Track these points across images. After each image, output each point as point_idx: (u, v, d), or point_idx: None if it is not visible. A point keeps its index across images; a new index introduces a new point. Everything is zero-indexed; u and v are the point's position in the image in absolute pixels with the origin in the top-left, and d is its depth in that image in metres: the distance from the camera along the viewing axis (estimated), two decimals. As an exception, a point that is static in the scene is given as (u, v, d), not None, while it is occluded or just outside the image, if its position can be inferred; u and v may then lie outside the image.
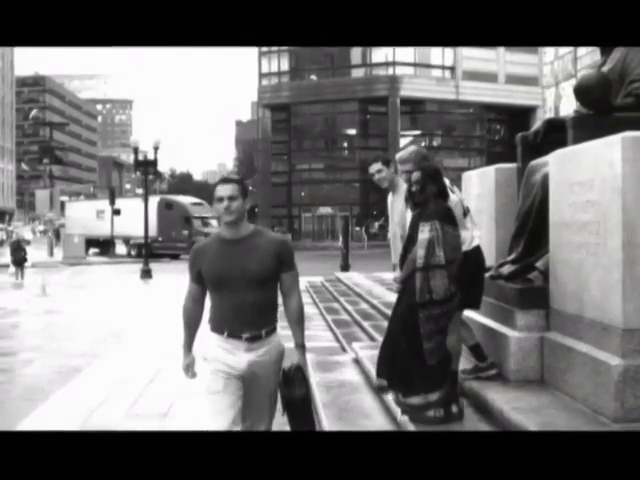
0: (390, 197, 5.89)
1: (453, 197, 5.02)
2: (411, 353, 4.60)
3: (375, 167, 5.85)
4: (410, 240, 4.81)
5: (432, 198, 4.76)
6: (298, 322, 3.88)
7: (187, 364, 3.89)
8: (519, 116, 52.25)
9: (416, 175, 4.83)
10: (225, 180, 3.75)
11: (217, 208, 3.68)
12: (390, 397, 4.87)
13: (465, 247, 4.95)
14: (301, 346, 3.87)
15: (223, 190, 3.65)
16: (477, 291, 5.25)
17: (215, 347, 3.74)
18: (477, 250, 5.26)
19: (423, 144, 54.51)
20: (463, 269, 4.72)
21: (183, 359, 3.91)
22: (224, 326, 3.70)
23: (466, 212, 5.26)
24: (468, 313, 5.52)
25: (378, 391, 5.07)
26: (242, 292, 3.62)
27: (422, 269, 4.56)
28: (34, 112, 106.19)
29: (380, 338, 7.85)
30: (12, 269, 24.75)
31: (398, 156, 5.59)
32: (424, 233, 4.61)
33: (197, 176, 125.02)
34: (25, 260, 24.60)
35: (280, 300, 3.90)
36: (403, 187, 5.68)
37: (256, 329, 3.68)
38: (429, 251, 4.56)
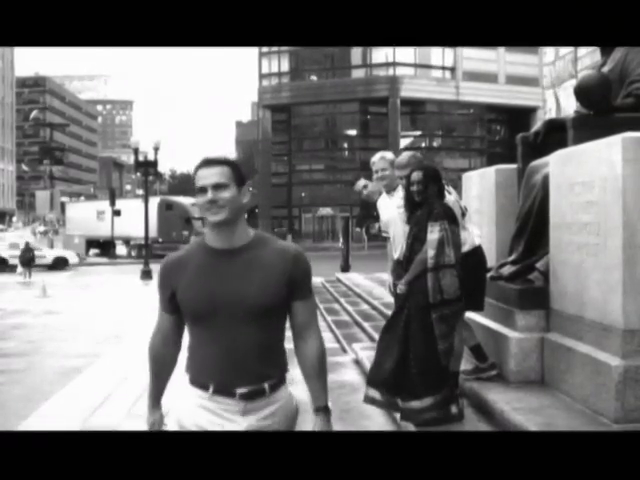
0: (383, 198, 5.93)
1: (449, 197, 5.03)
2: (419, 356, 4.59)
3: (361, 184, 6.03)
4: (416, 240, 4.80)
5: (434, 198, 4.77)
6: (318, 375, 2.63)
7: (152, 422, 2.71)
8: (519, 117, 52.21)
9: (417, 175, 4.83)
10: (209, 162, 2.49)
11: (199, 203, 2.48)
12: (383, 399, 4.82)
13: (465, 248, 4.95)
14: (324, 410, 2.59)
15: (206, 176, 2.45)
16: (480, 292, 5.25)
17: (195, 409, 2.52)
18: (478, 250, 5.26)
19: (423, 144, 54.66)
20: (465, 270, 4.73)
21: (147, 415, 2.74)
22: (209, 378, 2.50)
23: (464, 212, 5.27)
24: (469, 314, 5.52)
25: (369, 402, 4.94)
26: (236, 328, 2.45)
27: (433, 269, 4.56)
28: (34, 113, 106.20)
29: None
30: (20, 269, 26.29)
31: (397, 162, 5.63)
32: (434, 233, 4.60)
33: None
34: (33, 260, 26.49)
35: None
36: (383, 193, 5.82)
37: (256, 381, 2.49)
38: (439, 251, 4.57)
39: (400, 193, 5.59)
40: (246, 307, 2.43)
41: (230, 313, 2.43)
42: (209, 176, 2.44)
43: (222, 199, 2.42)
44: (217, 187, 2.43)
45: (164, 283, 2.57)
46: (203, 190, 2.44)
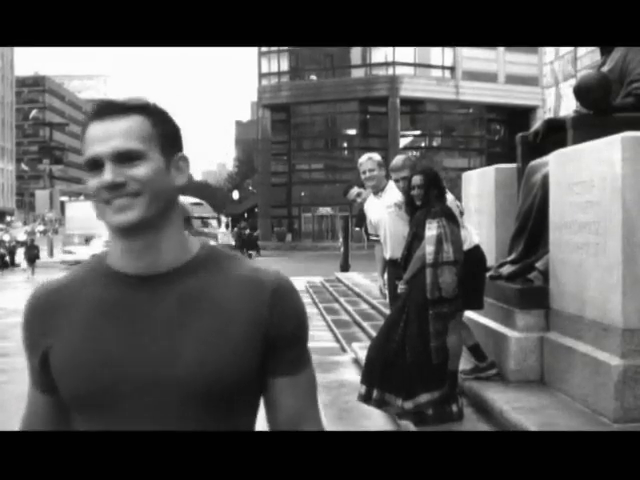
0: (370, 200, 5.96)
1: (447, 197, 5.07)
2: (415, 353, 4.60)
3: (354, 192, 6.09)
4: (415, 238, 4.82)
5: (434, 201, 4.80)
6: None
7: None
8: (519, 116, 52.21)
9: (418, 179, 4.86)
10: (107, 110, 1.26)
11: (90, 189, 1.27)
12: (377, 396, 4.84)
13: (465, 246, 4.97)
14: None
15: (102, 138, 1.25)
16: (479, 291, 5.26)
17: None
18: (477, 249, 5.28)
19: (423, 144, 54.69)
20: (464, 268, 4.74)
21: None
22: None
23: (462, 212, 5.31)
24: (468, 313, 5.52)
25: (363, 400, 4.95)
26: (162, 426, 1.24)
27: (431, 265, 4.58)
28: (34, 112, 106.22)
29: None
30: (25, 265, 27.01)
31: (392, 164, 5.67)
32: (432, 230, 4.63)
33: (197, 176, 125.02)
34: (37, 257, 27.03)
35: None
36: (371, 195, 5.89)
37: None
38: (438, 247, 4.59)
39: (389, 193, 5.65)
40: (182, 388, 1.22)
41: (150, 399, 1.22)
42: (108, 137, 1.24)
43: (133, 181, 1.23)
44: (123, 158, 1.24)
45: (31, 339, 1.44)
46: (96, 164, 1.24)
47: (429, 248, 4.60)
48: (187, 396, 1.23)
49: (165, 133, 1.30)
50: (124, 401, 1.24)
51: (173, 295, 1.28)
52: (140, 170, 1.24)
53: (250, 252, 35.16)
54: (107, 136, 1.25)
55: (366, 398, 4.79)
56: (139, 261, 1.29)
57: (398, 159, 5.62)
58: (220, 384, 1.23)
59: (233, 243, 38.46)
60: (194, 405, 1.23)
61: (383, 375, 4.69)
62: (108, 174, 1.23)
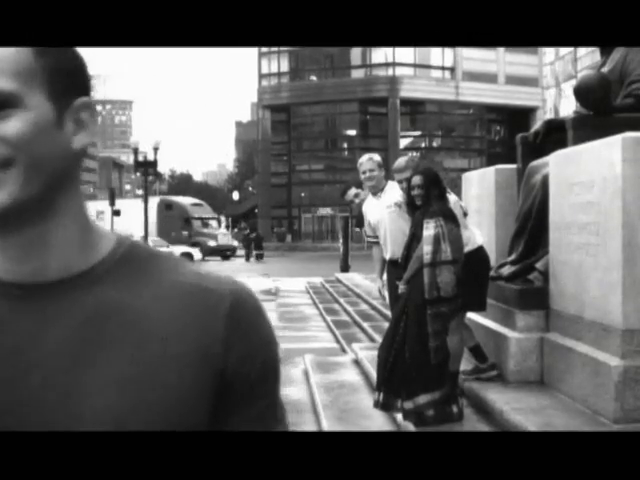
0: (369, 201, 5.97)
1: (450, 198, 5.07)
2: (414, 353, 4.61)
3: (352, 193, 6.12)
4: (414, 238, 4.83)
5: (435, 201, 4.80)
6: None
7: None
8: (519, 117, 52.22)
9: (418, 179, 4.86)
10: None
11: None
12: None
13: (469, 247, 4.97)
14: None
15: None
16: (482, 292, 5.26)
17: None
18: (481, 250, 5.28)
19: (423, 145, 54.71)
20: (467, 270, 4.74)
21: None
22: None
23: (465, 212, 5.31)
24: (469, 314, 5.52)
25: (375, 406, 4.98)
26: None
27: (430, 265, 4.59)
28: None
29: (380, 339, 7.86)
30: None
31: (395, 165, 5.68)
32: (429, 230, 4.64)
33: (197, 177, 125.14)
34: None
35: None
36: (369, 196, 5.91)
37: None
38: (435, 247, 4.59)
39: (388, 193, 5.66)
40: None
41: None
42: None
43: (0, 142, 0.77)
44: None
45: None
46: None
47: (427, 248, 4.61)
48: None
49: (57, 67, 0.84)
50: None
51: (75, 313, 0.83)
52: (11, 125, 0.77)
53: (259, 252, 34.62)
54: None
55: (376, 403, 4.82)
56: (20, 264, 0.83)
57: (401, 160, 5.63)
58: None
59: (235, 244, 38.49)
60: None
61: (385, 376, 4.70)
62: None
